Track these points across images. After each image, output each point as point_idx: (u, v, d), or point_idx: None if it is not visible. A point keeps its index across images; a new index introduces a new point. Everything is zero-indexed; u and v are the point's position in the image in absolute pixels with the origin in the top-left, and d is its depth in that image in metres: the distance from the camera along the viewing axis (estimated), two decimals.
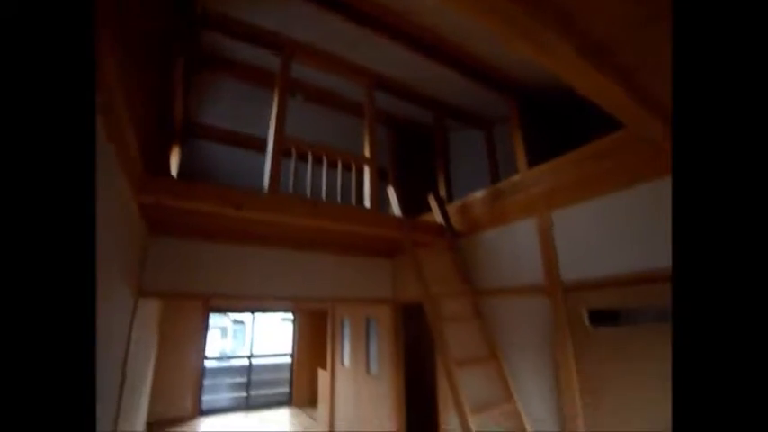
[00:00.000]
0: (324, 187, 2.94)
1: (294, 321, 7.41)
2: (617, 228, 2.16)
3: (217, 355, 12.19)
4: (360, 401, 4.63)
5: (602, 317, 2.29)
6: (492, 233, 3.02)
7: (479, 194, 3.13)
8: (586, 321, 2.28)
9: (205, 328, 6.50)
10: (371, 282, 3.98)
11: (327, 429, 5.36)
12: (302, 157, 2.89)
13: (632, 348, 2.03)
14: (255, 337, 7.52)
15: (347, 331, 5.23)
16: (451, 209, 3.39)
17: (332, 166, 3.02)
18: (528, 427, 2.41)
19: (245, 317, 16.44)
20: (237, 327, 17.34)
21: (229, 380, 7.53)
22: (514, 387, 2.56)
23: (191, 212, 2.54)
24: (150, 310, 4.15)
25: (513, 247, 2.80)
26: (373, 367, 4.42)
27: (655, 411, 1.86)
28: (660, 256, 1.91)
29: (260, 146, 3.53)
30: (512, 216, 2.85)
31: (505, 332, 2.76)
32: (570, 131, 3.25)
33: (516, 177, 2.86)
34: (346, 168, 3.09)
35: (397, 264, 4.11)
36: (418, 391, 4.65)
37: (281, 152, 2.73)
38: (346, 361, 5.17)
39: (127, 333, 2.64)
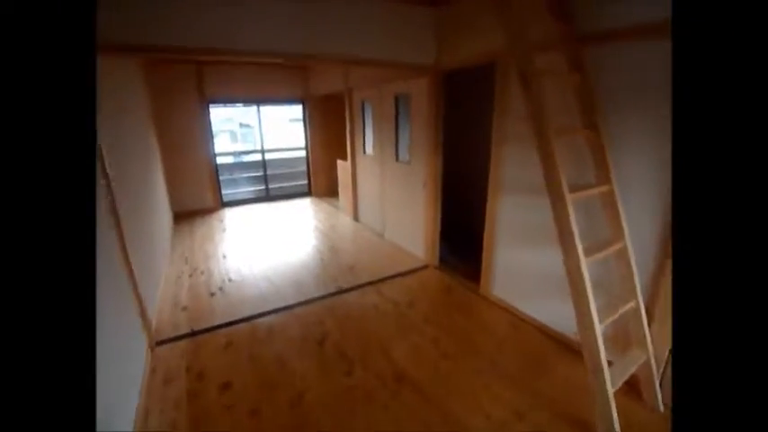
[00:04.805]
0: None
1: (304, 112, 6.64)
2: None
3: (230, 156, 12.11)
4: (387, 190, 4.33)
5: None
6: None
7: None
8: None
9: (207, 122, 5.82)
10: (407, 41, 2.94)
11: (351, 215, 5.36)
12: None
13: None
14: (265, 136, 6.89)
15: (370, 116, 4.49)
16: None
17: None
18: (622, 213, 1.91)
19: (252, 119, 15.85)
20: (245, 130, 16.92)
21: (246, 174, 7.42)
22: (612, 166, 1.94)
23: None
24: (132, 92, 3.31)
25: None
26: (403, 154, 3.89)
27: None
28: None
29: None
30: None
31: (612, 92, 1.95)
32: None
33: None
34: None
35: (446, 15, 2.96)
36: (459, 178, 4.28)
37: None
38: (369, 149, 4.65)
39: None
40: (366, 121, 4.62)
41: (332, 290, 3.26)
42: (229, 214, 5.99)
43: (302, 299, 3.11)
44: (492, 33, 2.58)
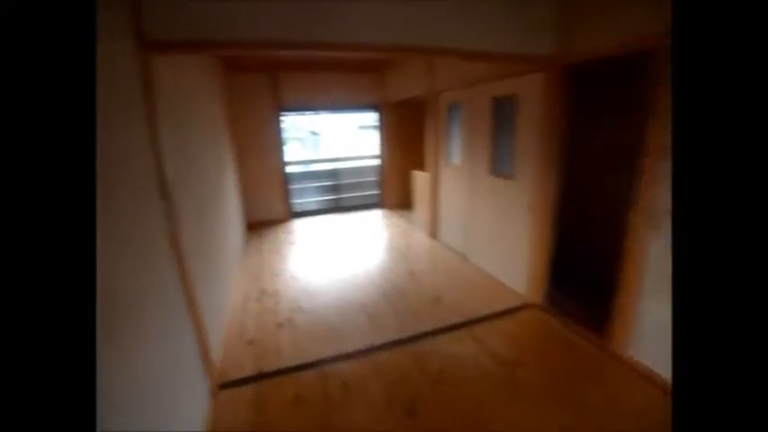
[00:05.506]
0: None
1: (380, 119, 6.21)
2: None
3: (299, 165, 12.20)
4: (477, 207, 3.70)
5: None
6: None
7: None
8: None
9: (279, 129, 5.67)
10: (516, 27, 2.33)
11: (428, 232, 4.80)
12: None
13: None
14: (335, 144, 6.60)
15: (458, 122, 3.91)
16: None
17: None
18: None
19: (320, 126, 16.03)
20: (313, 138, 17.16)
21: (315, 184, 7.20)
22: None
23: None
24: (207, 96, 3.11)
25: None
26: (502, 167, 3.24)
27: None
28: None
29: None
30: None
31: None
32: None
33: None
34: None
35: None
36: (570, 197, 3.51)
37: None
38: (456, 159, 4.06)
39: (141, 94, 1.54)
40: (453, 129, 4.05)
41: (416, 330, 2.71)
42: (298, 226, 5.76)
43: (381, 340, 2.61)
44: (647, 11, 1.87)
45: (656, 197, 2.01)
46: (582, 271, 3.41)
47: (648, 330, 2.15)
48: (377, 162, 6.62)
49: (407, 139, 6.28)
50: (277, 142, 5.73)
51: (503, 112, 3.15)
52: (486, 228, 3.56)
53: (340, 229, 5.45)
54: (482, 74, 3.24)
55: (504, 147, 3.16)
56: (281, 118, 5.70)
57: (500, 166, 3.26)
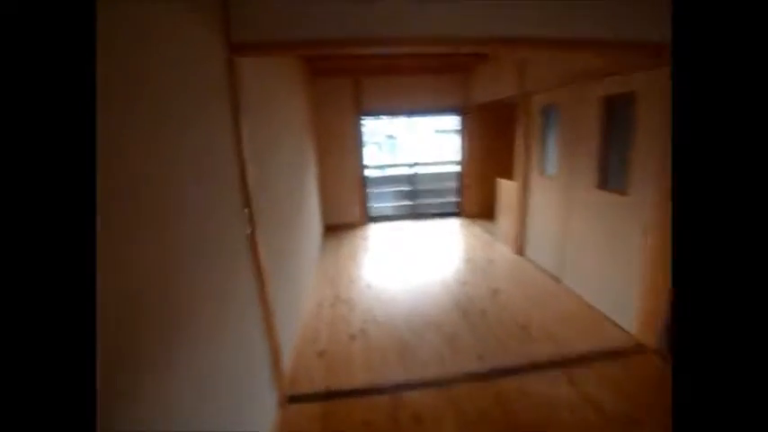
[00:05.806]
0: None
1: (462, 123, 5.90)
2: None
3: (377, 167, 12.31)
4: (575, 223, 3.23)
5: None
6: None
7: None
8: None
9: (360, 133, 5.68)
10: (638, 8, 1.90)
11: (513, 248, 4.37)
12: None
13: None
14: (412, 148, 6.47)
15: (555, 126, 3.47)
16: None
17: None
18: None
19: (397, 130, 16.09)
20: (391, 142, 17.22)
21: (392, 188, 7.10)
22: None
23: None
24: (292, 97, 3.17)
25: None
26: (613, 178, 2.76)
27: None
28: None
29: None
30: None
31: None
32: None
33: None
34: None
35: None
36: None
37: None
38: (551, 168, 3.62)
39: (227, 93, 1.52)
40: (548, 134, 3.61)
41: (499, 362, 2.40)
42: (374, 231, 5.70)
43: (458, 368, 2.35)
44: None
45: None
46: None
47: None
48: (456, 168, 6.30)
49: (491, 144, 5.87)
50: (357, 145, 5.75)
51: (615, 115, 2.68)
52: (587, 248, 3.08)
53: (417, 237, 5.26)
54: (586, 71, 2.79)
55: (616, 156, 2.68)
56: (362, 122, 5.71)
57: (610, 178, 2.78)
